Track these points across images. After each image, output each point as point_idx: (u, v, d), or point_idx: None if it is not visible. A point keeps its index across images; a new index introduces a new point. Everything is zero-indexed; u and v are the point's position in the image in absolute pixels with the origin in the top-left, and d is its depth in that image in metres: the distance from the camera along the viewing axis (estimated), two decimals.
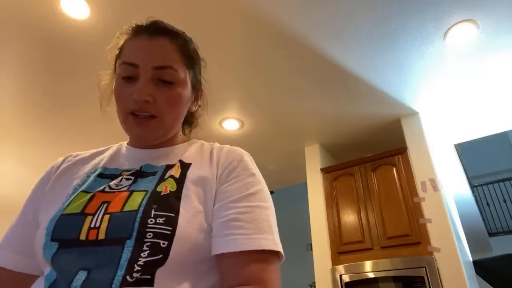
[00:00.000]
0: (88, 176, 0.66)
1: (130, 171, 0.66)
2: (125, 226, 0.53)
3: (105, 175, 0.66)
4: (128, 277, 0.49)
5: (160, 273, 0.51)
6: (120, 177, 0.64)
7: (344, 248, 2.77)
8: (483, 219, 5.44)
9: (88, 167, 0.70)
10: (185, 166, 0.66)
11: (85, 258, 0.52)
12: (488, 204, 6.26)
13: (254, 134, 3.17)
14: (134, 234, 0.52)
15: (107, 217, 0.55)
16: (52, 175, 0.70)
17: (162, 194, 0.58)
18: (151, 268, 0.51)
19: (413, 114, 2.93)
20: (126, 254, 0.51)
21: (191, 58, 0.72)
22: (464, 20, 2.03)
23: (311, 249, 2.91)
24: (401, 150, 2.87)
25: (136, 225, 0.53)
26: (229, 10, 1.96)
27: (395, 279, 2.42)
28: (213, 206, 0.60)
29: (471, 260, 3.16)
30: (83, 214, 0.56)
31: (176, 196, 0.58)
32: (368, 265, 2.57)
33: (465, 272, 2.32)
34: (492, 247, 5.55)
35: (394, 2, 1.93)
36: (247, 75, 2.47)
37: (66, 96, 2.61)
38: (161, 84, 0.65)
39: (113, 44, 0.72)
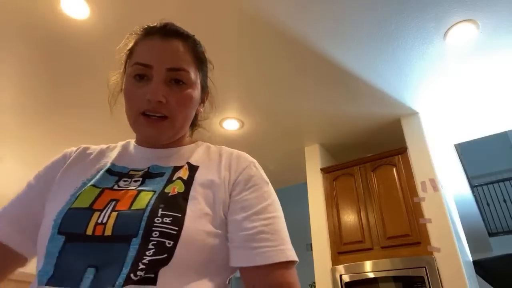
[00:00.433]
0: (98, 171, 0.67)
1: (138, 170, 0.67)
2: (132, 224, 0.54)
3: (114, 172, 0.67)
4: (132, 275, 0.49)
5: (163, 272, 0.51)
6: (128, 179, 0.65)
7: (344, 248, 2.77)
8: (483, 219, 5.44)
9: (97, 162, 0.70)
10: (193, 169, 0.66)
11: (92, 255, 0.52)
12: (488, 204, 6.26)
13: (254, 134, 3.17)
14: (141, 232, 0.53)
15: (114, 214, 0.56)
16: (65, 164, 0.71)
17: (170, 195, 0.59)
18: (155, 267, 0.51)
19: (413, 114, 2.93)
20: (132, 252, 0.51)
21: (201, 61, 0.73)
22: (464, 20, 2.03)
23: (311, 249, 2.91)
24: (401, 150, 2.87)
25: (143, 223, 0.54)
26: (229, 10, 1.96)
27: (395, 279, 2.42)
28: (227, 210, 0.61)
29: (471, 260, 3.16)
30: (91, 210, 0.57)
31: (184, 197, 0.59)
32: (368, 265, 2.57)
33: (465, 272, 2.32)
34: (492, 247, 5.54)
35: (394, 2, 1.93)
36: (247, 75, 2.47)
37: (66, 96, 2.61)
38: (173, 85, 0.66)
39: (122, 44, 0.72)
